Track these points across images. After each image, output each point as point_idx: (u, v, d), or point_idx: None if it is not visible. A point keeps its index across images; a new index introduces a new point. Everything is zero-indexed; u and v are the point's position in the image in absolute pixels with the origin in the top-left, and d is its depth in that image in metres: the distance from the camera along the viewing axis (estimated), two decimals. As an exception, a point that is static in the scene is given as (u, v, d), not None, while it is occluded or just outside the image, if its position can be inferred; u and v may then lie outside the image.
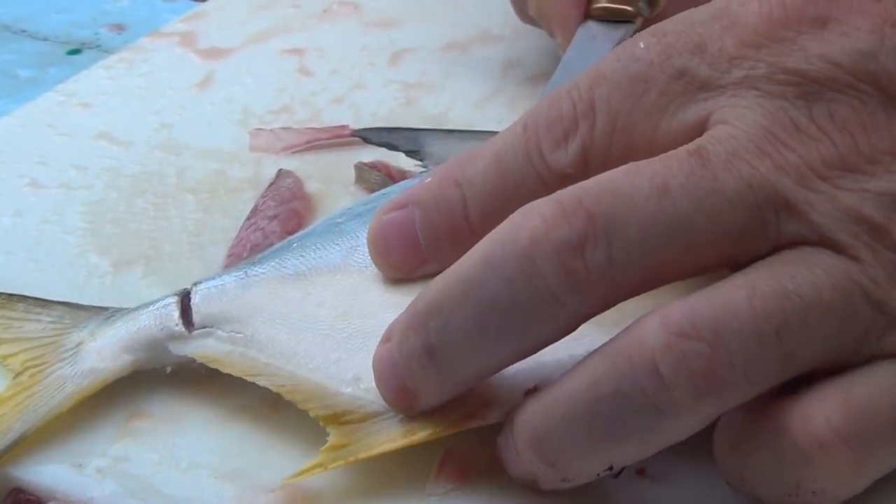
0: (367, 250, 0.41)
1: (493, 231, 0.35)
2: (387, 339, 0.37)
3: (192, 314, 0.42)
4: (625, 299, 0.35)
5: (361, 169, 0.54)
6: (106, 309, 0.45)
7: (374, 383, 0.38)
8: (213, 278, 0.44)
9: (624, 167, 0.35)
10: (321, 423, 0.38)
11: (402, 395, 0.37)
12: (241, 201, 0.53)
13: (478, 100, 0.60)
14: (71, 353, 0.43)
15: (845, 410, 0.33)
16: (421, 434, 0.37)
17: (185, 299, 0.43)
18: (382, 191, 0.47)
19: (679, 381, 0.33)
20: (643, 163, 0.35)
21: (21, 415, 0.41)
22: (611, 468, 0.35)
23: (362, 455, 0.37)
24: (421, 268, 0.39)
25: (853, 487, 0.34)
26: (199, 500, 0.38)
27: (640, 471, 0.38)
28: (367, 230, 0.41)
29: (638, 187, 0.34)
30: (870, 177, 0.34)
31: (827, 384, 0.34)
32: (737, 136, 0.35)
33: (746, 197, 0.34)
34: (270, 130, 0.58)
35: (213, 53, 0.66)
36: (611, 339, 0.34)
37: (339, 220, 0.44)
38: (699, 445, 0.35)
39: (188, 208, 0.53)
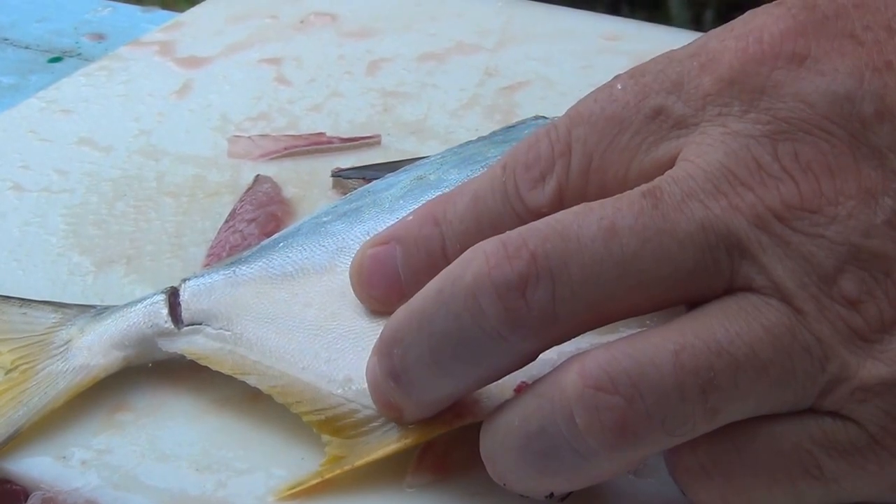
0: (351, 254, 0.42)
1: (446, 268, 0.36)
2: (372, 353, 0.38)
3: (180, 311, 0.43)
4: (577, 335, 0.35)
5: (338, 179, 0.55)
6: (93, 306, 0.45)
7: (365, 385, 0.39)
8: (202, 275, 0.44)
9: (575, 208, 0.35)
10: (315, 430, 0.39)
11: (388, 409, 0.38)
12: (219, 205, 0.54)
13: (454, 108, 0.61)
14: (61, 349, 0.43)
15: (723, 451, 0.34)
16: (414, 437, 0.38)
17: (172, 296, 0.44)
18: (365, 187, 0.47)
19: (593, 432, 0.33)
20: (595, 203, 0.35)
21: (15, 410, 0.42)
22: (551, 495, 0.36)
23: (359, 463, 0.38)
24: (400, 301, 0.39)
25: None
26: (181, 490, 0.39)
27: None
28: (352, 232, 0.43)
29: (585, 228, 0.34)
30: (830, 221, 0.34)
31: (732, 426, 0.34)
32: (695, 175, 0.35)
33: (698, 237, 0.34)
34: (249, 137, 0.58)
35: (192, 62, 0.66)
36: (542, 377, 0.35)
37: (324, 220, 0.45)
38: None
39: (168, 211, 0.54)
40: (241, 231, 0.51)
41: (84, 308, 0.45)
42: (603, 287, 0.34)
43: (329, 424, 0.39)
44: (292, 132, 0.59)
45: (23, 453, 0.41)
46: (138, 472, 0.40)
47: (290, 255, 0.44)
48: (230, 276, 0.44)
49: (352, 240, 0.43)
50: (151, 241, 0.52)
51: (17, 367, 0.43)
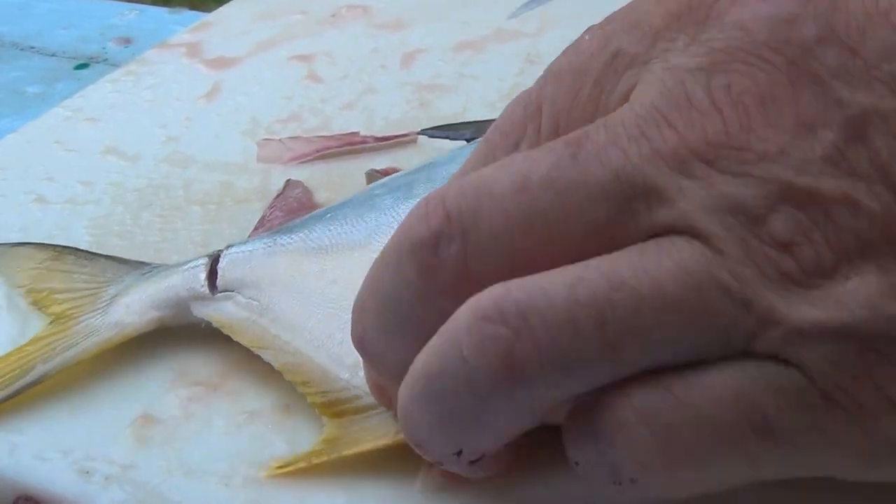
0: (390, 231, 0.40)
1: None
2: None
3: (217, 277, 0.45)
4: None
5: (374, 176, 0.53)
6: (147, 264, 0.47)
7: None
8: (245, 243, 0.46)
9: (498, 162, 0.35)
10: (318, 412, 0.40)
11: (377, 392, 0.39)
12: (248, 212, 0.52)
13: (493, 100, 0.59)
14: (105, 304, 0.45)
15: (659, 400, 0.32)
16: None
17: (214, 262, 0.45)
18: (423, 164, 0.47)
19: (479, 365, 0.33)
20: (516, 156, 0.35)
21: (46, 355, 0.44)
22: (460, 452, 0.35)
23: (346, 452, 0.38)
24: None
25: (671, 483, 0.33)
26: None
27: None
28: (397, 209, 0.43)
29: (499, 182, 0.34)
30: (758, 157, 0.32)
31: (665, 374, 0.33)
32: (625, 119, 0.33)
33: (611, 188, 0.32)
34: (279, 140, 0.57)
35: (220, 63, 0.65)
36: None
37: (376, 192, 0.45)
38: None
39: (195, 220, 0.52)
40: (270, 238, 0.50)
41: (138, 265, 0.47)
42: (513, 242, 0.33)
43: (331, 407, 0.40)
44: (324, 132, 0.57)
45: (44, 468, 0.40)
46: (164, 488, 0.39)
47: (331, 227, 0.44)
48: (270, 245, 0.45)
49: (392, 217, 0.43)
50: (177, 250, 0.50)
51: (63, 317, 0.45)
